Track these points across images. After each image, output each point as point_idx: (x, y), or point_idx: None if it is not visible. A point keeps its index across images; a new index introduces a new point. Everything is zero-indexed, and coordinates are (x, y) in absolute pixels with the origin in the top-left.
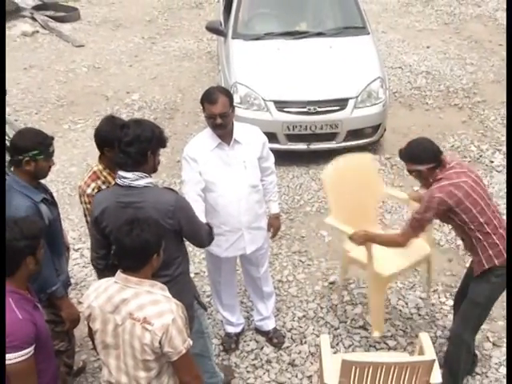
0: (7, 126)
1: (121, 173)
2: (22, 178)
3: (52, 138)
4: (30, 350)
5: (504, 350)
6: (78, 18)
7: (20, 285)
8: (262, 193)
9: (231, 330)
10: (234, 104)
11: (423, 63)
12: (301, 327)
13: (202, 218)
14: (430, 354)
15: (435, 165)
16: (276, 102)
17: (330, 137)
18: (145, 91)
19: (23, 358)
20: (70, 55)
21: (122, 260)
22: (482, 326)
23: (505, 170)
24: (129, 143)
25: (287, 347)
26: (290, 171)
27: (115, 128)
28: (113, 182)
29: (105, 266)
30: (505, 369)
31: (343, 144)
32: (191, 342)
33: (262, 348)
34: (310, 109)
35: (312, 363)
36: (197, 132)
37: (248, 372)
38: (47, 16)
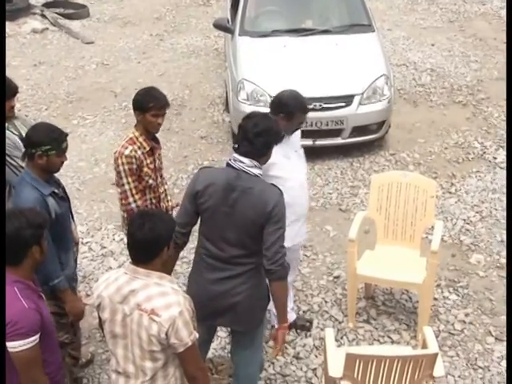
0: (19, 122)
1: (238, 156)
2: (33, 170)
3: (66, 135)
4: (36, 338)
5: (506, 344)
6: (87, 16)
7: (26, 274)
8: None
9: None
10: (241, 100)
11: (428, 60)
12: None
13: None
14: (433, 347)
15: None
16: None
17: (336, 133)
18: None
19: (30, 345)
20: (79, 52)
21: (132, 252)
22: (485, 321)
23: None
24: (258, 134)
25: (292, 340)
26: None
27: (144, 94)
28: (147, 149)
29: (183, 243)
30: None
31: (348, 140)
32: (197, 335)
33: (267, 342)
34: (315, 105)
35: (316, 356)
36: (204, 128)
37: None
38: (57, 13)
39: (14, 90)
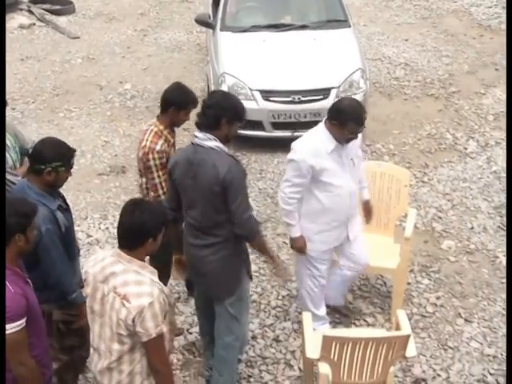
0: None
1: (195, 132)
2: (38, 185)
3: (74, 151)
4: (22, 321)
5: (475, 325)
6: (73, 11)
7: (10, 261)
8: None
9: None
10: None
11: (402, 55)
12: (285, 305)
13: (293, 219)
14: (405, 329)
15: None
16: (262, 92)
17: (314, 124)
18: (137, 81)
19: (16, 329)
20: (66, 47)
21: (119, 236)
22: (455, 303)
23: (478, 157)
24: (209, 106)
25: (271, 324)
26: (275, 157)
27: (182, 92)
28: (172, 141)
29: (173, 218)
30: (476, 343)
31: None
32: (164, 329)
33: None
34: (294, 98)
35: (295, 339)
36: (188, 121)
37: None
38: (43, 9)
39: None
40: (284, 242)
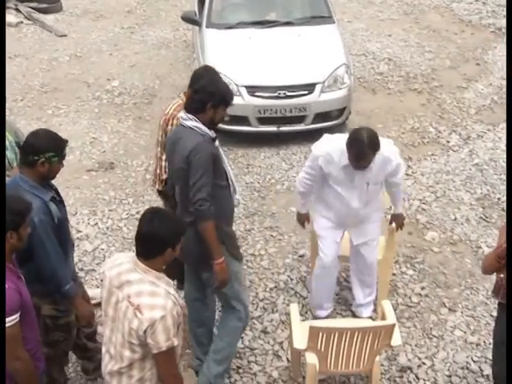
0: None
1: (180, 113)
2: (31, 177)
3: (66, 141)
4: (16, 316)
5: (458, 314)
6: (61, 10)
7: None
8: (378, 202)
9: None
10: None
11: (385, 50)
12: (272, 297)
13: (302, 198)
14: (391, 319)
15: None
16: (248, 87)
17: (299, 119)
18: (124, 78)
19: (10, 323)
20: (53, 44)
21: (136, 244)
22: (439, 293)
23: (460, 149)
24: (195, 90)
25: (259, 316)
26: (262, 152)
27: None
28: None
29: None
30: (459, 331)
31: (311, 126)
32: (175, 343)
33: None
34: (279, 93)
35: (283, 330)
36: None
37: None
38: (31, 7)
39: None
40: (271, 235)
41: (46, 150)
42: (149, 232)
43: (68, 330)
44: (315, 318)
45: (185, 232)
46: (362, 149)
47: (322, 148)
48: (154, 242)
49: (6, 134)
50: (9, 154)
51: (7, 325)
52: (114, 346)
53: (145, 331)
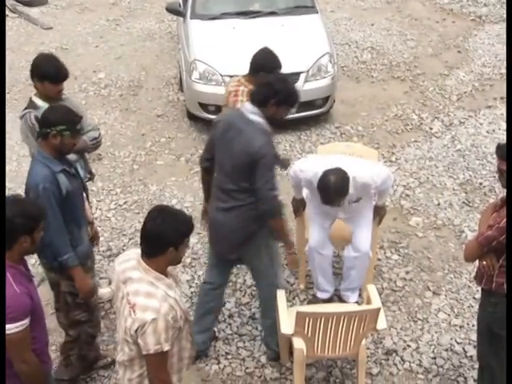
0: (65, 104)
1: (247, 103)
2: (45, 150)
3: (80, 117)
4: (26, 321)
5: (442, 297)
6: (46, 2)
7: (16, 260)
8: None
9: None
10: (194, 79)
11: (368, 39)
12: None
13: (297, 191)
14: (376, 303)
15: None
16: (232, 77)
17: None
18: (110, 70)
19: (20, 328)
20: (39, 37)
21: (140, 242)
22: (424, 277)
23: (443, 136)
24: (262, 85)
25: (247, 303)
26: None
27: (272, 56)
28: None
29: (204, 167)
30: (443, 314)
31: (296, 115)
32: (165, 348)
33: (225, 304)
34: None
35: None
36: (160, 107)
37: None
38: (16, 0)
39: (65, 76)
40: None
41: (58, 123)
42: (151, 230)
43: (89, 310)
44: (316, 298)
45: (190, 232)
46: (329, 196)
47: (303, 168)
48: (155, 240)
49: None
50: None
51: (17, 329)
52: (120, 338)
53: (136, 331)
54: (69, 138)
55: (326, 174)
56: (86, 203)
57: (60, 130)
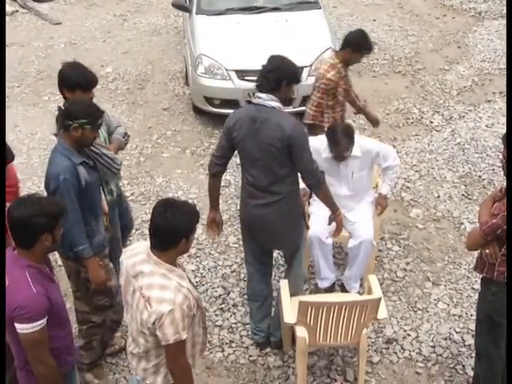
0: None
1: (258, 93)
2: (66, 141)
3: (102, 112)
4: (43, 321)
5: (442, 287)
6: None
7: (37, 259)
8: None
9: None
10: (199, 74)
11: (370, 35)
12: None
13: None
14: (377, 293)
15: None
16: (237, 72)
17: (287, 102)
18: (117, 64)
19: (36, 329)
20: (48, 32)
21: (150, 237)
22: (424, 268)
23: (443, 129)
24: (270, 70)
25: None
26: None
27: (362, 36)
28: (343, 74)
29: (215, 173)
30: (443, 304)
31: (299, 109)
32: (183, 337)
33: (229, 293)
34: None
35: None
36: (166, 100)
37: (216, 315)
38: None
39: (95, 82)
40: None
41: (80, 116)
42: (162, 225)
43: (109, 295)
44: (318, 289)
45: (198, 220)
46: (338, 138)
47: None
48: (169, 234)
49: None
50: (103, 131)
51: (34, 329)
52: (131, 331)
53: (153, 323)
54: (89, 131)
55: (334, 123)
56: (102, 195)
57: (81, 123)
